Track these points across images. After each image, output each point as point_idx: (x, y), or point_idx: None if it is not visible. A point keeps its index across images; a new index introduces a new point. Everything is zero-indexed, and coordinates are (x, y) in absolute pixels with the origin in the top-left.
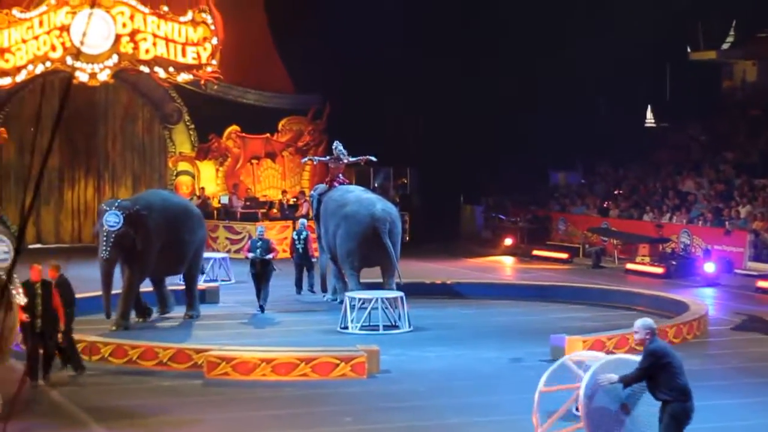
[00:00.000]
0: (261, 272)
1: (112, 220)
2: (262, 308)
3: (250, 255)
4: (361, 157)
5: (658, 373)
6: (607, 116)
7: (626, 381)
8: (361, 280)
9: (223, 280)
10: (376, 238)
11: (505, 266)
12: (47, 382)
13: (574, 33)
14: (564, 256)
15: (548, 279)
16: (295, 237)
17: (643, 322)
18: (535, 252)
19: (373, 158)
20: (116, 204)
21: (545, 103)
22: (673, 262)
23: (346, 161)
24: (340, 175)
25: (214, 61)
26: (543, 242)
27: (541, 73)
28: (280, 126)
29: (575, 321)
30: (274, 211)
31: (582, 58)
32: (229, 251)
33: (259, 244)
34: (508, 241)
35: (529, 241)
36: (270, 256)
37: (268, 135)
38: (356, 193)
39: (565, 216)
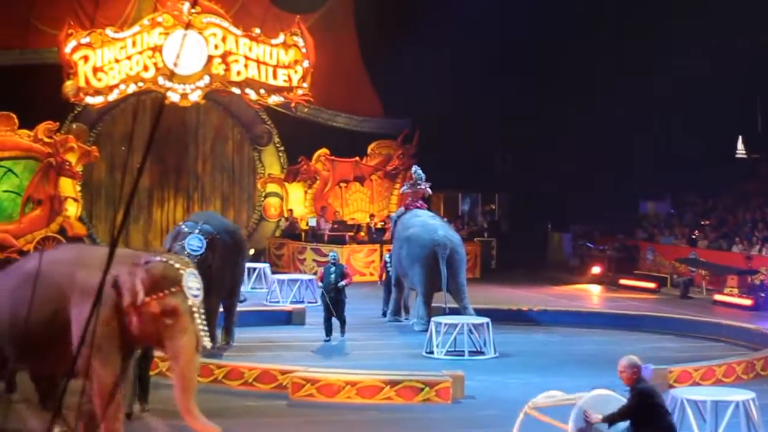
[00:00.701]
0: (335, 299)
1: (195, 244)
2: (328, 335)
3: (320, 284)
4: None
5: (644, 413)
6: (697, 146)
7: (611, 419)
8: (449, 305)
9: (309, 302)
10: (436, 262)
11: (592, 294)
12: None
13: (667, 64)
14: (652, 285)
15: (635, 308)
16: (387, 260)
17: (629, 360)
18: (623, 281)
19: (429, 190)
20: (198, 228)
21: (635, 131)
22: (762, 294)
23: (423, 186)
24: (419, 200)
25: (305, 84)
26: (630, 271)
27: (628, 100)
28: (369, 150)
29: (662, 351)
30: (362, 234)
31: (672, 85)
32: (315, 273)
33: (333, 269)
34: (596, 270)
35: (616, 270)
36: (343, 283)
37: (357, 158)
38: (423, 218)
39: (654, 245)
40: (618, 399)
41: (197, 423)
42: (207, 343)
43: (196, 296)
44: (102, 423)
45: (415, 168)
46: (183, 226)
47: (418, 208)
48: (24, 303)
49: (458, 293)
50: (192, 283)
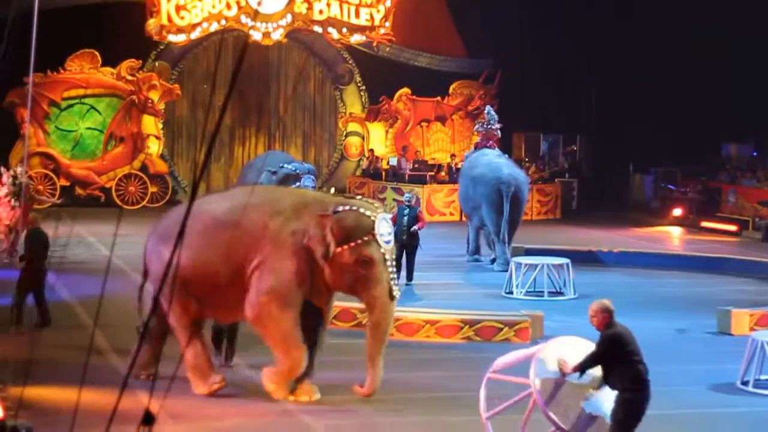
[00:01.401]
0: (408, 244)
1: (310, 185)
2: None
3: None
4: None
5: (613, 359)
6: None
7: (581, 367)
8: (528, 246)
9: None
10: (501, 200)
11: (672, 237)
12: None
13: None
14: (733, 228)
15: (716, 251)
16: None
17: (600, 304)
18: (704, 223)
19: (499, 133)
20: (309, 168)
21: (718, 73)
22: None
23: (494, 128)
24: (490, 140)
25: (387, 23)
26: (712, 214)
27: (715, 45)
28: (450, 90)
29: (742, 294)
30: (443, 174)
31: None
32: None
33: (406, 212)
34: (677, 212)
35: (697, 212)
36: (416, 227)
37: (438, 98)
38: (489, 157)
39: (736, 188)
40: (585, 343)
41: (375, 375)
42: (397, 291)
43: (387, 243)
44: (281, 366)
45: (488, 109)
46: (295, 167)
47: (487, 147)
48: (213, 249)
49: (510, 234)
50: (384, 229)
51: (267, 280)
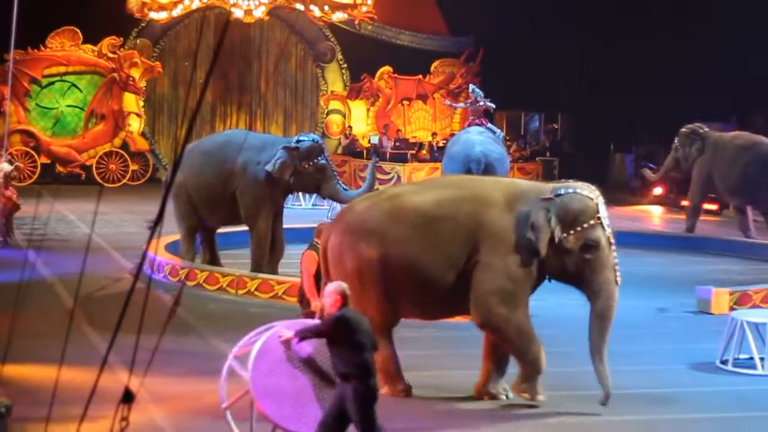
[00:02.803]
0: None
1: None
2: None
3: None
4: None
5: (339, 343)
6: (762, 67)
7: (302, 334)
8: None
9: None
10: None
11: (653, 216)
12: None
13: None
14: (714, 207)
15: (697, 230)
16: None
17: (336, 286)
18: (685, 202)
19: (492, 105)
20: (320, 140)
21: (701, 53)
22: None
23: (482, 103)
24: (480, 117)
25: (369, 1)
26: None
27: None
28: (432, 68)
29: (723, 273)
30: (424, 152)
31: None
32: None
33: None
34: (658, 191)
35: (678, 191)
36: None
37: (420, 76)
38: (471, 134)
39: None
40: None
41: (606, 371)
42: (620, 277)
43: (609, 225)
44: (524, 370)
45: (472, 88)
46: (306, 140)
47: (477, 125)
48: (425, 245)
49: None
50: (605, 211)
51: (492, 280)
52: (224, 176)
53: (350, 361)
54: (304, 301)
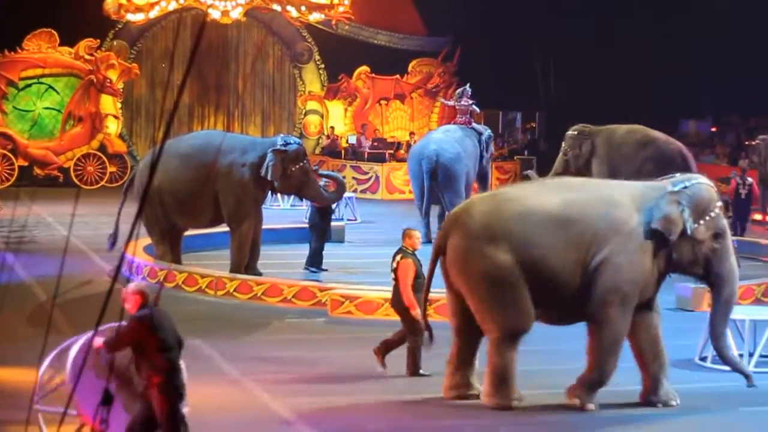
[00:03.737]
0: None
1: None
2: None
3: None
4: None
5: (144, 344)
6: (738, 65)
7: (108, 345)
8: None
9: (349, 220)
10: (422, 175)
11: None
12: None
13: None
14: None
15: None
16: None
17: (135, 286)
18: None
19: (477, 109)
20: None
21: (677, 49)
22: None
23: (464, 103)
24: (464, 116)
25: (346, 1)
26: None
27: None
28: (410, 68)
29: None
30: (402, 152)
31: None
32: (355, 191)
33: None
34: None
35: None
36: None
37: (397, 76)
38: (436, 133)
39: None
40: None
41: (734, 355)
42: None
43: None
44: (590, 374)
45: (465, 88)
46: (293, 142)
47: (459, 124)
48: (556, 247)
49: (444, 210)
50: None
51: (612, 278)
52: (206, 178)
53: (155, 362)
54: (402, 310)
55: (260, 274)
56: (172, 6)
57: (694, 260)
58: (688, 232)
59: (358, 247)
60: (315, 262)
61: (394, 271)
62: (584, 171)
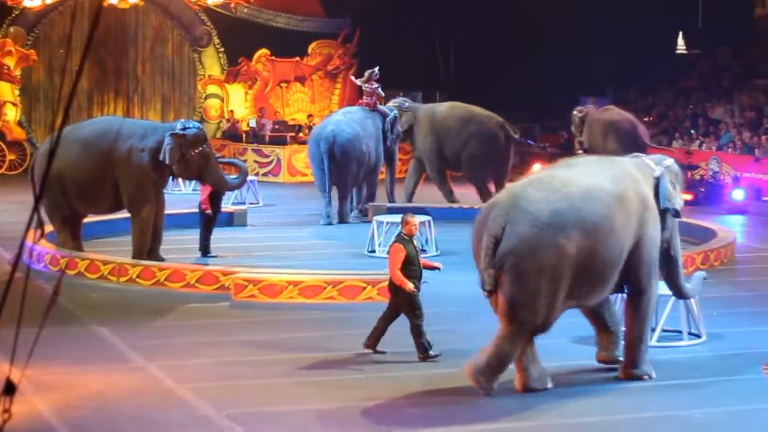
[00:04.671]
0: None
1: None
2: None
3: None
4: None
5: None
6: (637, 42)
7: None
8: (390, 204)
9: (251, 203)
10: (321, 157)
11: None
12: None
13: None
14: None
15: None
16: None
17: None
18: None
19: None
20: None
21: (577, 27)
22: (702, 189)
23: (370, 85)
24: (370, 98)
25: None
26: None
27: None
28: (309, 50)
29: None
30: (302, 135)
31: None
32: (257, 174)
33: None
34: (537, 167)
35: None
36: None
37: (297, 59)
38: (336, 114)
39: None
40: None
41: None
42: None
43: None
44: (637, 350)
45: (374, 70)
46: (191, 126)
47: (364, 105)
48: (621, 225)
49: (340, 191)
50: None
51: (651, 251)
52: (106, 164)
53: None
54: (396, 290)
55: (163, 260)
56: None
57: (670, 237)
58: (679, 209)
59: (260, 230)
60: (206, 248)
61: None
62: (404, 141)
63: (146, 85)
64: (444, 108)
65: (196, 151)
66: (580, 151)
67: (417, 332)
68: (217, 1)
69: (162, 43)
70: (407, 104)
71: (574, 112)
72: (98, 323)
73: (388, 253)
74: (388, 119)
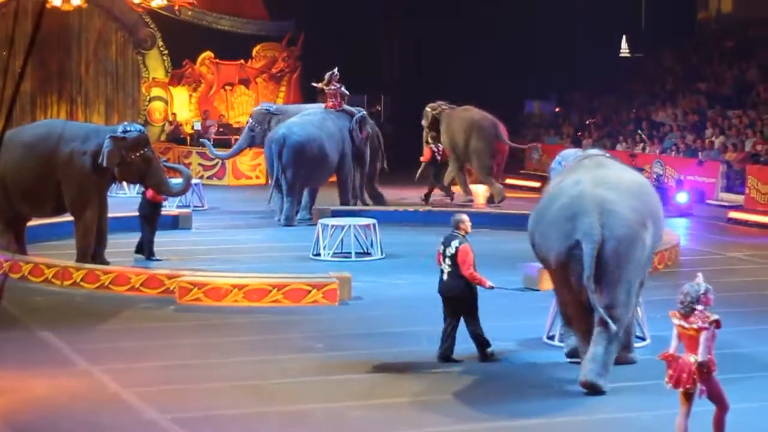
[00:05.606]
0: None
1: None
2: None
3: None
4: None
5: None
6: (581, 45)
7: None
8: (335, 208)
9: (195, 206)
10: (272, 158)
11: (477, 195)
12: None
13: None
14: (537, 185)
15: (521, 208)
16: None
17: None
18: (508, 181)
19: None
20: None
21: (521, 30)
22: None
23: (332, 87)
24: (333, 99)
25: None
26: (516, 171)
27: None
28: (254, 52)
29: None
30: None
31: None
32: (201, 177)
33: None
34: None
35: (502, 170)
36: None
37: (242, 61)
38: (296, 117)
39: (539, 145)
40: None
41: None
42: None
43: None
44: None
45: (334, 71)
46: (133, 129)
47: (329, 108)
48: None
49: (285, 193)
50: None
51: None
52: (49, 167)
53: None
54: (460, 296)
55: (108, 263)
56: None
57: None
58: None
59: (205, 233)
60: (150, 251)
61: (452, 257)
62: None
63: (90, 88)
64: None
65: (137, 154)
66: (432, 147)
67: (478, 335)
68: (160, 3)
69: (105, 46)
70: (273, 108)
71: (427, 109)
72: (42, 327)
73: (456, 254)
74: (354, 119)
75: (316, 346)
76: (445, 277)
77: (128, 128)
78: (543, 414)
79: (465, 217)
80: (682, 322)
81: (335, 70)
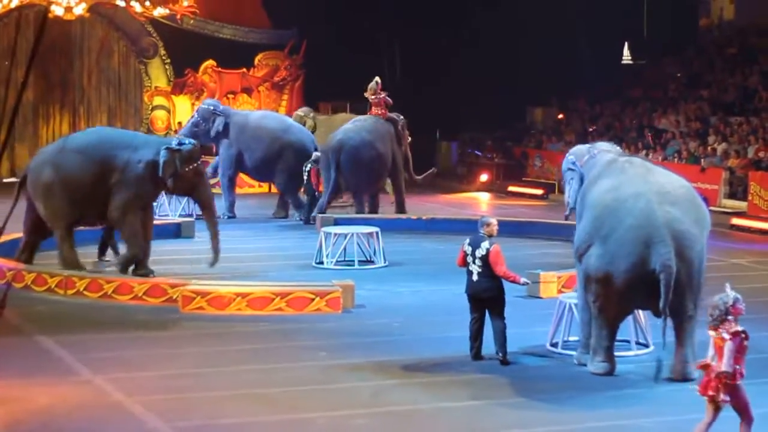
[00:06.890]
0: None
1: None
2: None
3: None
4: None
5: None
6: (584, 52)
7: None
8: (338, 216)
9: (198, 215)
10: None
11: (480, 202)
12: None
13: None
14: (539, 192)
15: (523, 215)
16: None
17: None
18: (511, 188)
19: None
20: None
21: (523, 38)
22: None
23: (377, 96)
24: (378, 108)
25: None
26: (519, 178)
27: (521, 8)
28: (256, 61)
29: (550, 257)
30: None
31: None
32: None
33: None
34: (484, 177)
35: (504, 178)
36: None
37: (244, 70)
38: (349, 123)
39: (541, 152)
40: None
41: None
42: None
43: None
44: None
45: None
46: (187, 141)
47: (376, 116)
48: None
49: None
50: None
51: None
52: (104, 172)
53: None
54: (492, 296)
55: (152, 272)
56: (15, 3)
57: None
58: None
59: (208, 242)
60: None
61: (483, 258)
62: (210, 143)
63: (92, 97)
64: (256, 117)
65: (191, 167)
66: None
67: (504, 333)
68: (163, 12)
69: (108, 55)
70: (221, 108)
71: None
72: (45, 336)
73: (485, 256)
74: (399, 124)
75: (319, 354)
76: (475, 277)
77: (183, 141)
78: (549, 423)
79: (493, 220)
80: (713, 333)
81: (377, 79)
